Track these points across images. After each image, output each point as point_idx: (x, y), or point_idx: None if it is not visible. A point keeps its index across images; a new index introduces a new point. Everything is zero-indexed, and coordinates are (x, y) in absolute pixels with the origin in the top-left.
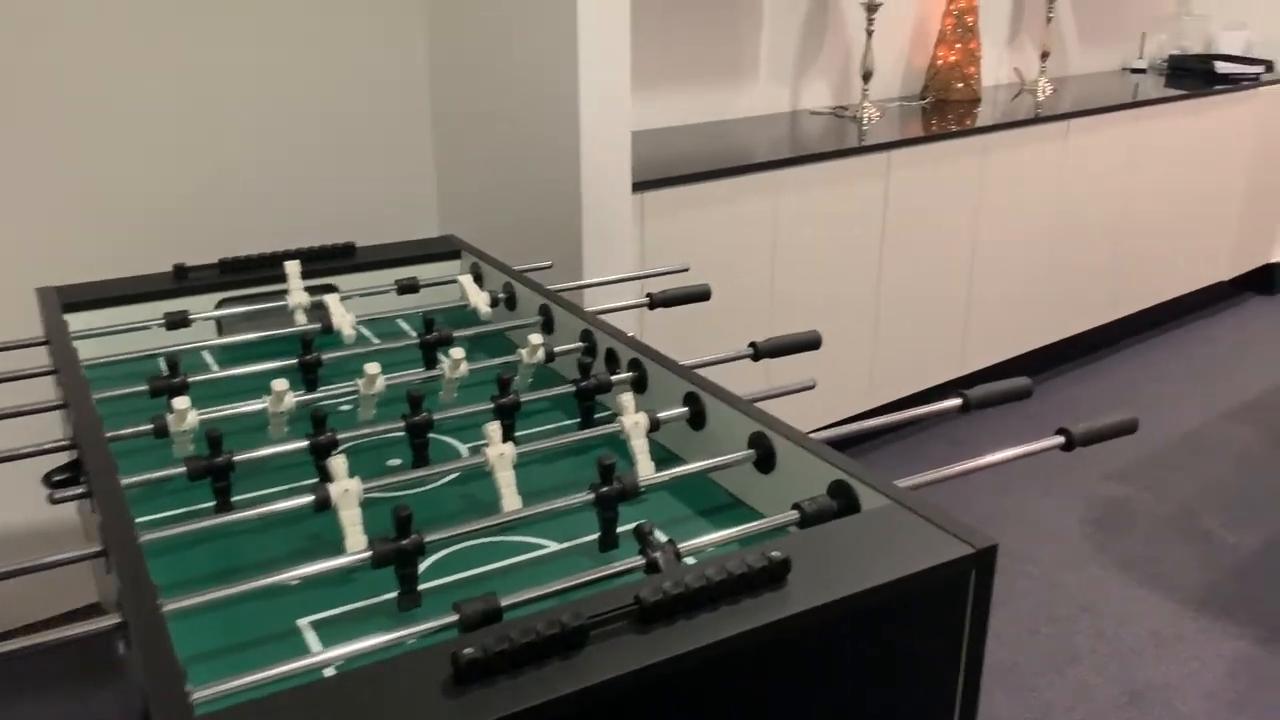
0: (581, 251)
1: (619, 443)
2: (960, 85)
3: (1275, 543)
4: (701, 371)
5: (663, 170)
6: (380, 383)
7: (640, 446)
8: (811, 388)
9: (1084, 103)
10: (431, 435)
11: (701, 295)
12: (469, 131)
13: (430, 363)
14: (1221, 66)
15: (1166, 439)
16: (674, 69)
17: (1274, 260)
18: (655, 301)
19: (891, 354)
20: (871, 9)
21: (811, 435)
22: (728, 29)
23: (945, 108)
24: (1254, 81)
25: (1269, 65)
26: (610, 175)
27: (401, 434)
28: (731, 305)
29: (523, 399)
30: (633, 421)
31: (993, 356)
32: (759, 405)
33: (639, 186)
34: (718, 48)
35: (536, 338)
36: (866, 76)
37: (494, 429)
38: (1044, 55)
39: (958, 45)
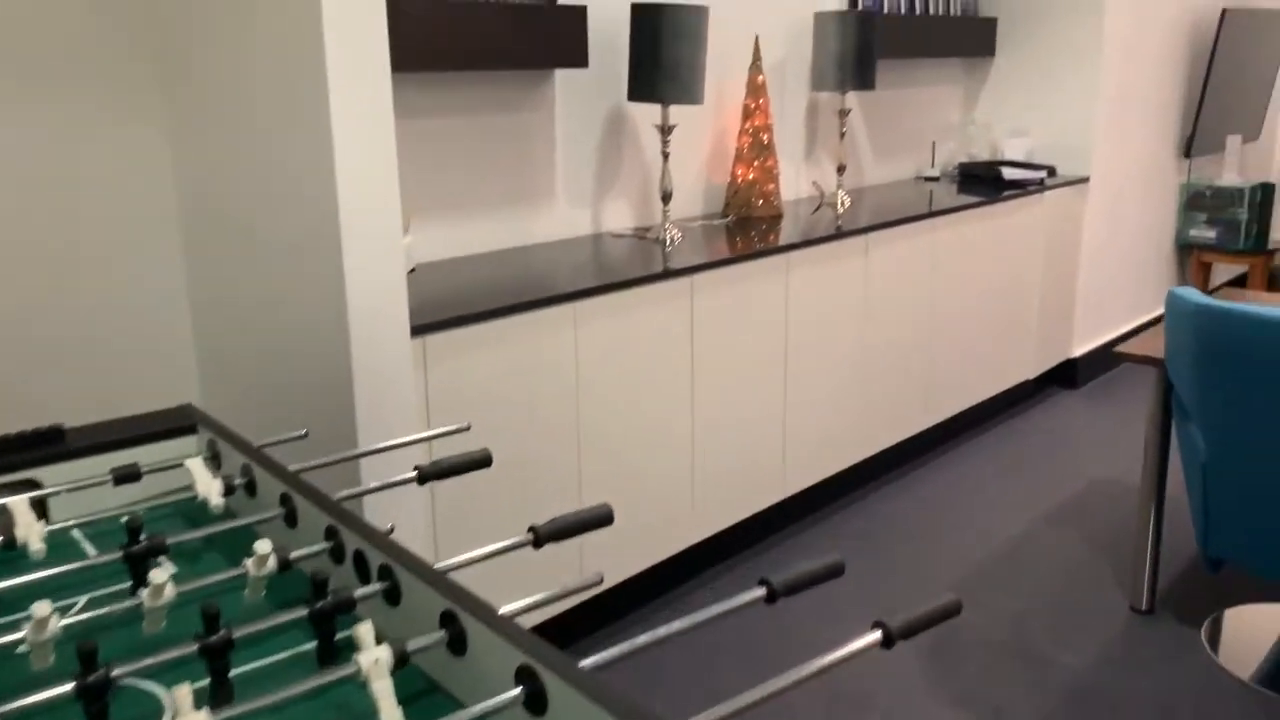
0: (354, 412)
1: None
2: (761, 202)
3: (1106, 659)
4: (479, 568)
5: (450, 308)
6: (55, 624)
7: (383, 690)
8: (599, 583)
9: (883, 213)
10: (130, 682)
11: (480, 463)
12: (227, 278)
13: (140, 579)
14: (1008, 173)
15: (990, 551)
16: (466, 195)
17: (1074, 355)
18: (424, 475)
19: (711, 483)
20: (665, 131)
21: (590, 662)
22: (521, 151)
23: (748, 225)
24: (1039, 186)
25: (1051, 170)
26: (384, 320)
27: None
28: (534, 456)
29: (243, 631)
30: (372, 660)
31: (813, 476)
32: (545, 604)
33: (420, 330)
34: (512, 171)
35: (264, 544)
36: (666, 198)
37: (183, 696)
38: (840, 169)
39: (755, 163)
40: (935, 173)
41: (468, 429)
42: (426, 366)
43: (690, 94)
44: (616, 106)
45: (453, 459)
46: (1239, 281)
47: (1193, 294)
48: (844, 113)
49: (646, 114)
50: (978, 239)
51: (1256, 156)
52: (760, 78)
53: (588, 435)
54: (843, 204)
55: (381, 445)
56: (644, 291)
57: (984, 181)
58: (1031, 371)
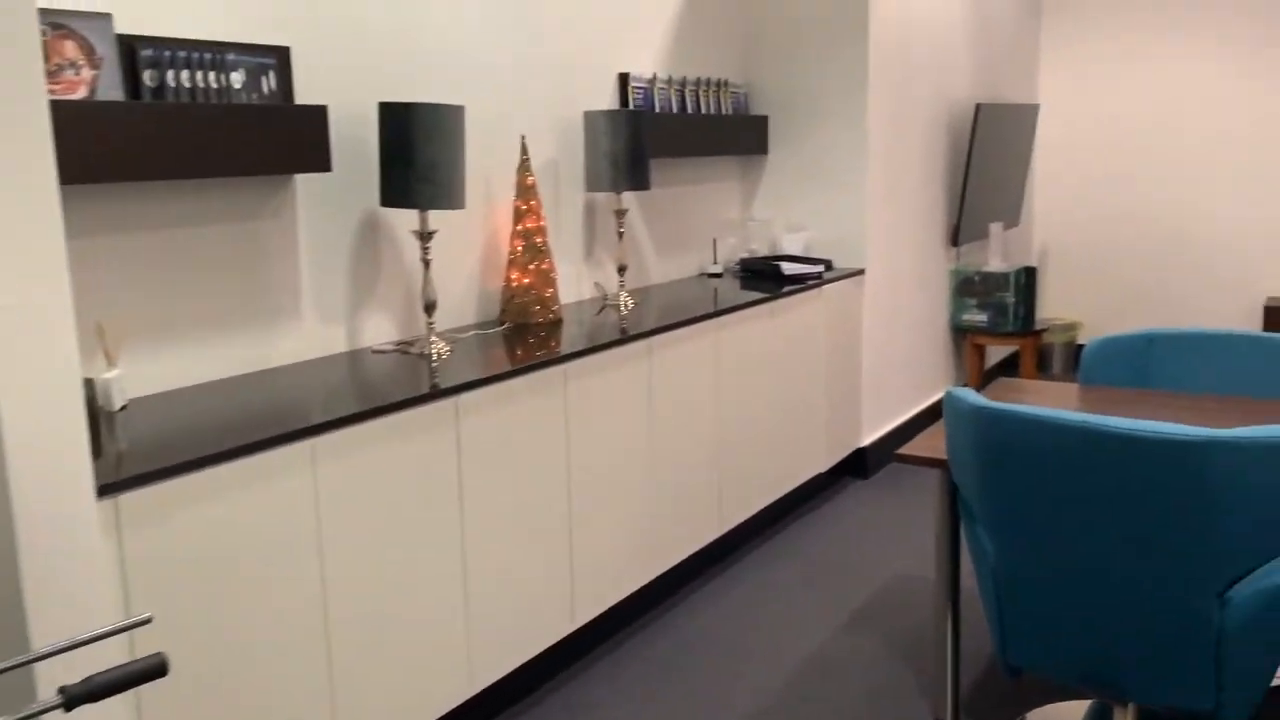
0: (23, 602)
1: None
2: (538, 308)
3: None
4: None
5: (150, 457)
6: None
7: None
8: None
9: (667, 313)
10: None
11: (150, 673)
12: None
13: None
14: (787, 267)
15: (791, 667)
16: (191, 316)
17: (863, 444)
18: (72, 699)
19: (490, 628)
20: (424, 237)
21: None
22: (258, 264)
23: (526, 332)
24: (818, 280)
25: (828, 264)
26: (59, 479)
27: None
28: (270, 631)
29: None
30: None
31: (604, 602)
32: None
33: (111, 488)
34: (247, 286)
35: None
36: (429, 308)
37: None
38: (621, 269)
39: (530, 266)
40: (718, 269)
41: (148, 621)
42: (121, 535)
43: (449, 198)
44: (371, 211)
45: (111, 672)
46: (1011, 361)
47: (969, 395)
48: (621, 212)
49: (406, 219)
50: (762, 335)
51: (1019, 242)
52: (530, 179)
53: (336, 595)
54: (626, 305)
55: (12, 662)
56: (401, 419)
57: (765, 277)
58: (824, 464)
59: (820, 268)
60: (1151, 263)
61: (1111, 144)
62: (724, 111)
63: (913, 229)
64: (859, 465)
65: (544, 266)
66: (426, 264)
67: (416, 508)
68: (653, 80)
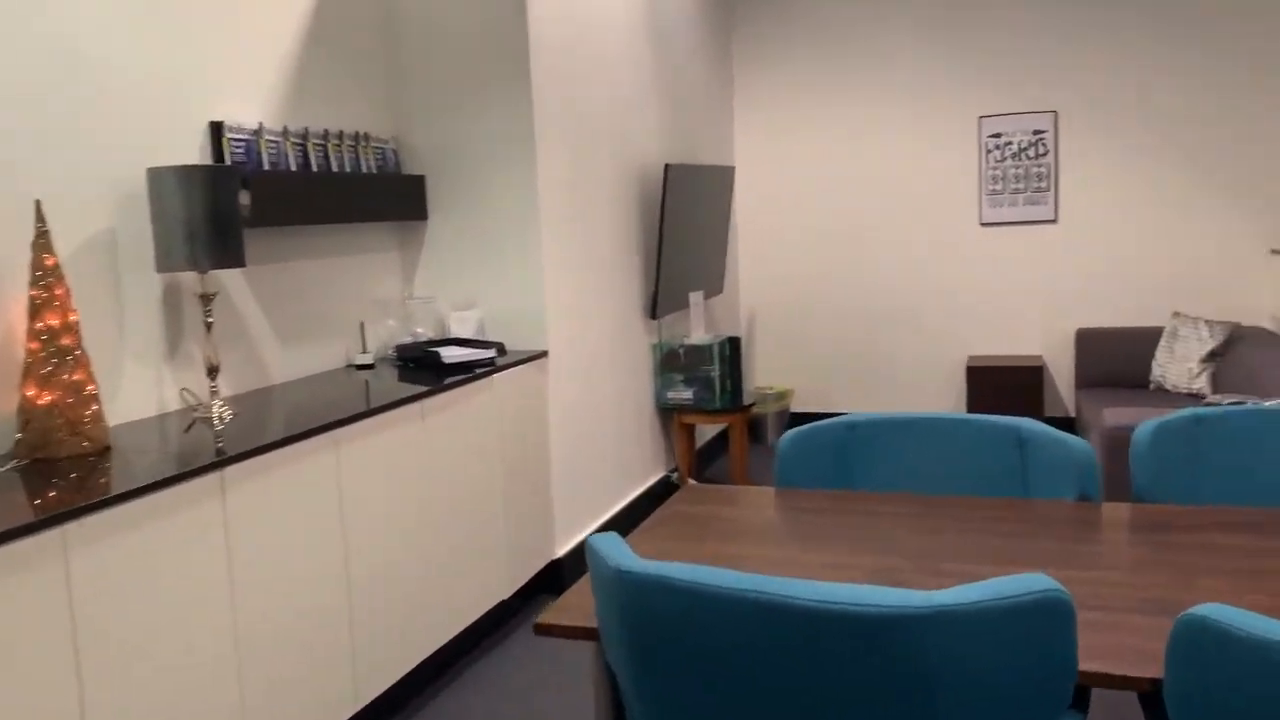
0: None
1: None
2: (67, 435)
3: None
4: None
5: None
6: None
7: None
8: None
9: (290, 423)
10: None
11: None
12: None
13: None
14: (448, 354)
15: None
16: None
17: (558, 555)
18: None
19: None
20: None
21: None
22: None
23: (44, 471)
24: (489, 366)
25: (500, 347)
26: None
27: None
28: None
29: None
30: None
31: None
32: None
33: None
34: None
35: None
36: None
37: None
38: (212, 371)
39: (57, 377)
40: (369, 358)
41: None
42: None
43: None
44: None
45: None
46: (722, 438)
47: (612, 549)
48: (206, 297)
49: None
50: (410, 443)
51: (725, 310)
52: (50, 259)
53: None
54: (221, 418)
55: None
56: None
57: (427, 366)
58: (505, 590)
59: (491, 352)
60: (860, 324)
61: (812, 206)
62: (366, 170)
63: (604, 301)
64: (555, 580)
65: (75, 377)
66: None
67: None
68: (259, 131)
